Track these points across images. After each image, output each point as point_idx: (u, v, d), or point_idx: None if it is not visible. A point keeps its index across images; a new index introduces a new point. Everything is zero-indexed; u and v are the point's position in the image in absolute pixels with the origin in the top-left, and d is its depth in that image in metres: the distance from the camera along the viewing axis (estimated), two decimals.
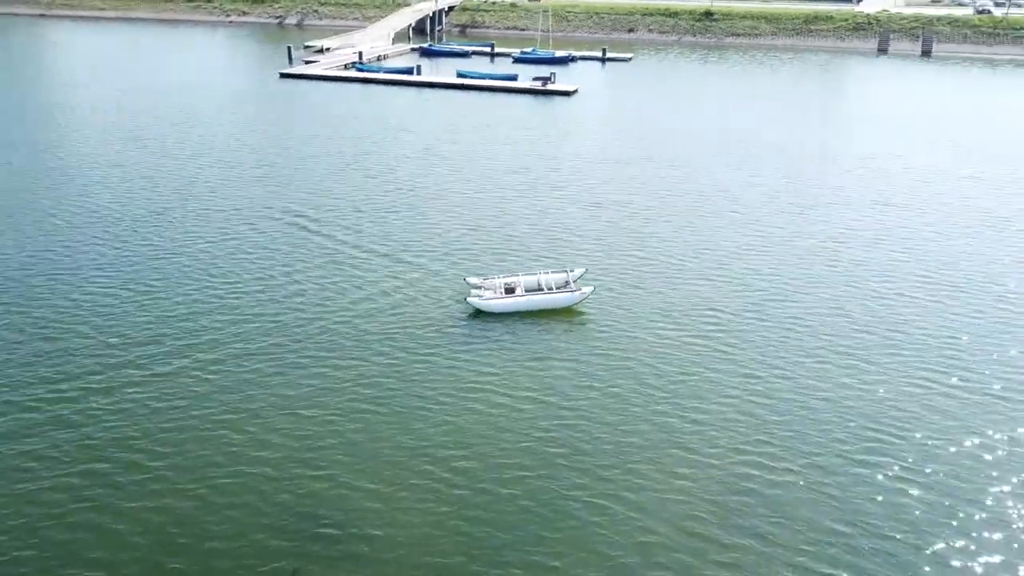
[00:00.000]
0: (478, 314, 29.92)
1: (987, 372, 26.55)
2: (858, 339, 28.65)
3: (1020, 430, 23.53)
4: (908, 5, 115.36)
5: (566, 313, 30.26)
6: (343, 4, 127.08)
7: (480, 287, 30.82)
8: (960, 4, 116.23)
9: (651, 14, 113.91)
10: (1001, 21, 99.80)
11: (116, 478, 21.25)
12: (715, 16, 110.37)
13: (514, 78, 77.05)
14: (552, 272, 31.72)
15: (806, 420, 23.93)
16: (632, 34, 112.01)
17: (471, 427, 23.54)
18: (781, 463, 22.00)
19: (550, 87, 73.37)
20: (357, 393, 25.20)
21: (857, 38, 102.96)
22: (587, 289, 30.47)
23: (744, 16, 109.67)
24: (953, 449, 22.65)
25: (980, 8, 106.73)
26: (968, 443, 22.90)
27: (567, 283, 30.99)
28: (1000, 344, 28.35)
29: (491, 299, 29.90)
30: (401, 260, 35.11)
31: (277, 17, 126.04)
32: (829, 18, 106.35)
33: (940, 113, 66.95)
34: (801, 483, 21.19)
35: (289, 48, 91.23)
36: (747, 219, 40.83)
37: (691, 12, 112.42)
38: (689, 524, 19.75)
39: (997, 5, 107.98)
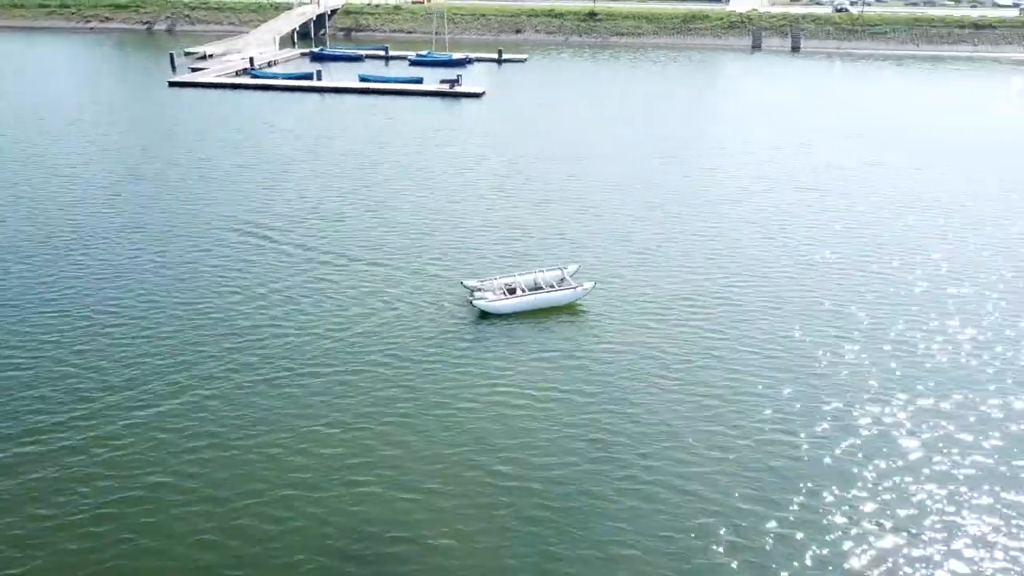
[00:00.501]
0: (483, 316, 29.67)
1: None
2: (824, 310, 30.54)
3: None
4: (774, 4, 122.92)
5: (562, 309, 30.56)
6: (216, 8, 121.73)
7: (480, 289, 30.53)
8: (818, 3, 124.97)
9: (537, 15, 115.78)
10: (858, 18, 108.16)
11: (146, 519, 19.70)
12: (599, 17, 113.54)
13: (420, 81, 76.40)
14: (547, 270, 31.85)
15: (808, 389, 25.32)
16: (520, 35, 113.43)
17: (499, 428, 23.37)
18: (801, 435, 23.18)
19: (458, 89, 73.27)
20: (376, 405, 24.45)
21: (732, 36, 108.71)
22: (588, 284, 30.74)
23: (627, 16, 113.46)
24: (945, 406, 24.61)
25: (838, 7, 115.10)
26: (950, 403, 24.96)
27: (563, 280, 31.18)
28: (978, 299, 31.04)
29: (496, 300, 29.73)
30: (390, 268, 34.24)
31: (145, 23, 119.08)
32: (705, 17, 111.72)
33: (823, 103, 71.93)
34: (824, 454, 22.43)
35: (171, 55, 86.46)
36: (700, 210, 42.45)
37: (576, 13, 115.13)
38: (740, 501, 20.47)
39: (852, 4, 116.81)
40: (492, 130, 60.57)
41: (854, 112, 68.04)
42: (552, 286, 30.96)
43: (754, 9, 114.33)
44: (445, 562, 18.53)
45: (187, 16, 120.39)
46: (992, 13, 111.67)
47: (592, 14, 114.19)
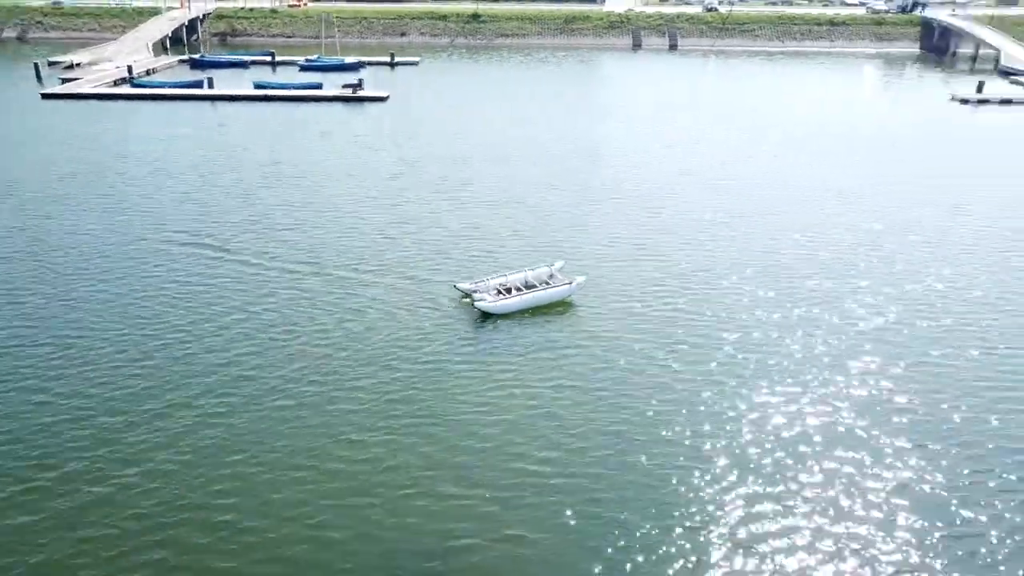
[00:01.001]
0: (484, 317, 29.43)
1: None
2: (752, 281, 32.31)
3: None
4: (648, 4, 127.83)
5: (553, 304, 30.91)
6: (72, 15, 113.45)
7: (475, 291, 30.27)
8: (687, 3, 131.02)
9: (420, 17, 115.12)
10: (728, 17, 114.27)
11: (190, 559, 18.30)
12: (483, 18, 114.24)
13: (319, 86, 74.27)
14: (536, 268, 32.03)
15: (804, 361, 26.74)
16: (404, 38, 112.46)
17: (524, 426, 23.25)
18: (819, 403, 24.46)
19: (361, 94, 71.77)
20: (398, 414, 23.74)
21: (613, 36, 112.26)
22: (580, 279, 31.11)
23: (510, 17, 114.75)
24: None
25: (708, 6, 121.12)
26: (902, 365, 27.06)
27: (552, 276, 31.44)
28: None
29: (498, 300, 29.61)
30: (371, 275, 33.33)
31: None
32: (586, 18, 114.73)
33: (712, 98, 75.71)
34: (837, 424, 23.80)
35: (36, 65, 79.95)
36: (638, 202, 43.63)
37: (459, 15, 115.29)
38: (780, 472, 21.39)
39: (721, 3, 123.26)
40: (409, 134, 59.73)
41: (746, 106, 71.99)
42: (544, 283, 31.19)
43: (631, 9, 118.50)
44: (512, 565, 18.31)
45: (39, 23, 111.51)
46: (844, 12, 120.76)
47: (476, 16, 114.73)
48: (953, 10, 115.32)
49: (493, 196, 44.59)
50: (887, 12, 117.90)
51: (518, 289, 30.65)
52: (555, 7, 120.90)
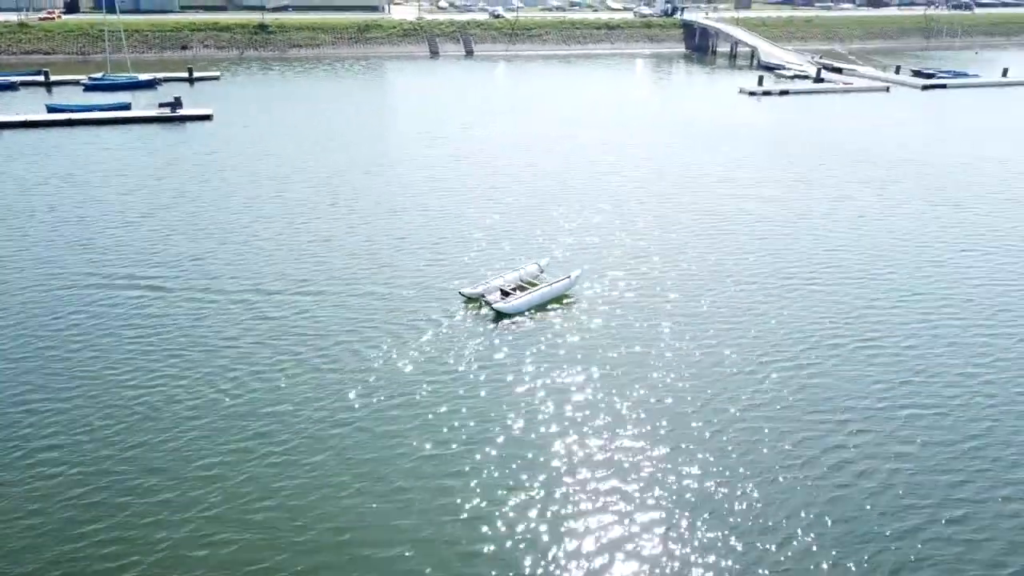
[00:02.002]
0: (498, 317, 29.85)
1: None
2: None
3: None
4: (432, 12, 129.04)
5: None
6: None
7: (483, 295, 30.58)
8: (469, 10, 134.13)
9: (202, 29, 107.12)
10: (515, 23, 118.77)
11: None
12: (271, 29, 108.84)
13: (127, 107, 66.84)
14: (526, 266, 33.10)
15: (797, 339, 29.28)
16: (187, 51, 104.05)
17: (565, 422, 23.49)
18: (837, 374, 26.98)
19: (181, 112, 65.72)
20: (442, 424, 23.17)
21: (409, 43, 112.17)
22: (576, 273, 32.47)
23: (300, 27, 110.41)
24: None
25: (494, 13, 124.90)
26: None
27: (541, 272, 32.70)
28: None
29: (513, 300, 30.11)
30: (375, 287, 32.63)
31: None
32: (379, 26, 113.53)
33: (531, 99, 78.91)
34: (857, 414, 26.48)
35: None
36: (527, 195, 44.62)
37: (244, 26, 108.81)
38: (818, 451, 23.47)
39: (507, 10, 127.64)
40: (262, 152, 55.92)
41: (571, 102, 75.83)
42: (537, 279, 32.20)
43: (421, 17, 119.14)
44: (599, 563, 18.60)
45: None
46: (617, 16, 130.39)
47: (263, 26, 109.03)
48: (707, 13, 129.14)
49: (395, 205, 43.40)
50: (652, 16, 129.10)
51: (521, 288, 31.22)
52: (344, 16, 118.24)
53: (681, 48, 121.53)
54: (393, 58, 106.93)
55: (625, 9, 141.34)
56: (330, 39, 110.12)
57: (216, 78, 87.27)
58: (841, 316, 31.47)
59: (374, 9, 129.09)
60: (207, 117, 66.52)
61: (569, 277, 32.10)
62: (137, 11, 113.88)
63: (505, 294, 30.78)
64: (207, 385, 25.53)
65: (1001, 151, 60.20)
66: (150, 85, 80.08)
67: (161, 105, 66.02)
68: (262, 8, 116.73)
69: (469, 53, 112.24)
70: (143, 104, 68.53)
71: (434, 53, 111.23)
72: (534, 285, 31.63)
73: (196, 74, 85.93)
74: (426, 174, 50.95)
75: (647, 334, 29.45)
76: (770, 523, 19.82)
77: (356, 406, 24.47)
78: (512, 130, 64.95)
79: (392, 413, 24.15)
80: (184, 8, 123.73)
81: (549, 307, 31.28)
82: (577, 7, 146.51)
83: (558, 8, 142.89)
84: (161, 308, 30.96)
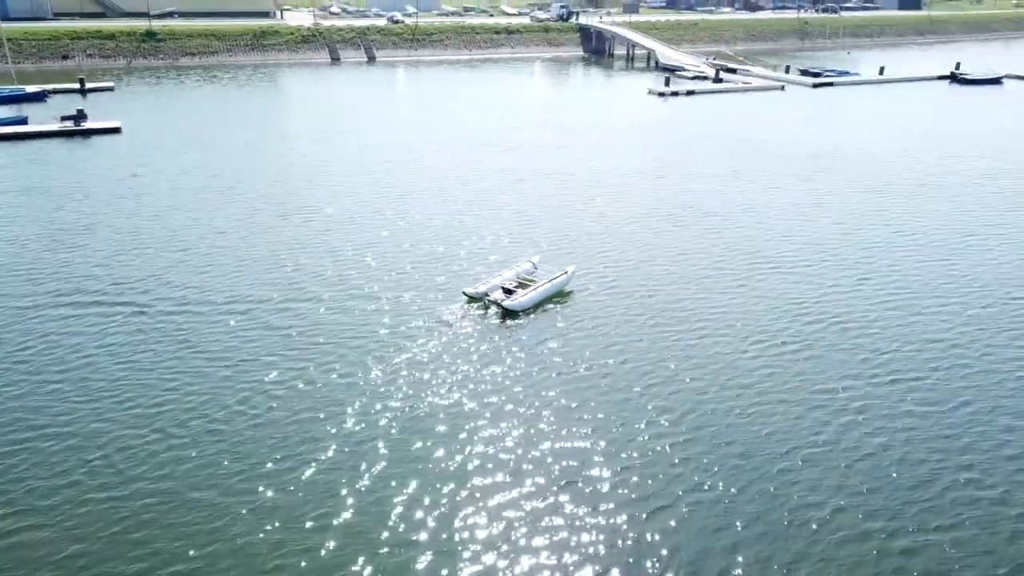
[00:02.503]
0: (506, 315, 30.03)
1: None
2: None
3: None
4: (326, 18, 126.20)
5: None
6: None
7: (487, 294, 30.69)
8: (364, 15, 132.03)
9: (83, 37, 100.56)
10: (415, 28, 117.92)
11: None
12: (160, 36, 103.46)
13: (24, 121, 61.90)
14: (519, 264, 33.66)
15: (787, 322, 30.50)
16: (68, 61, 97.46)
17: (588, 416, 23.65)
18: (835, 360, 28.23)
19: (86, 126, 61.42)
20: (466, 428, 22.65)
21: (309, 50, 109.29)
22: (571, 268, 33.15)
23: (191, 35, 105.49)
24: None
25: (392, 19, 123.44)
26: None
27: (534, 269, 33.20)
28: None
29: (519, 298, 30.36)
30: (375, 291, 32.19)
31: None
32: (276, 33, 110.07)
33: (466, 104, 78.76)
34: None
35: None
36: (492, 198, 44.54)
37: (130, 33, 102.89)
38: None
39: (405, 15, 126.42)
40: (189, 164, 53.08)
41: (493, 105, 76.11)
42: (533, 276, 32.71)
43: (318, 23, 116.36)
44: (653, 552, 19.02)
45: None
46: (515, 21, 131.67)
47: (151, 34, 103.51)
48: (600, 17, 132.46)
49: (364, 213, 42.29)
50: (549, 20, 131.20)
51: (521, 286, 31.54)
52: (238, 23, 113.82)
53: (579, 51, 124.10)
54: (294, 65, 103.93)
55: (520, 14, 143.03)
56: (225, 46, 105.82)
57: (111, 89, 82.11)
58: (811, 295, 33.15)
59: (265, 15, 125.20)
60: (115, 130, 62.44)
61: (566, 272, 32.68)
62: (7, 18, 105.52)
63: (507, 292, 31.02)
64: (220, 397, 24.07)
65: (900, 141, 64.89)
66: (39, 98, 74.45)
67: (63, 119, 61.50)
68: (145, 15, 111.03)
69: (371, 59, 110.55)
70: (40, 118, 63.65)
71: (335, 59, 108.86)
72: (533, 282, 32.06)
73: (88, 85, 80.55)
74: (369, 179, 49.91)
75: (646, 326, 30.01)
76: (799, 512, 20.60)
77: (378, 409, 23.71)
78: (448, 132, 64.52)
79: (419, 413, 23.58)
80: (58, 15, 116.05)
81: (548, 303, 31.74)
82: (472, 12, 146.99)
83: (454, 13, 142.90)
84: (147, 324, 28.92)
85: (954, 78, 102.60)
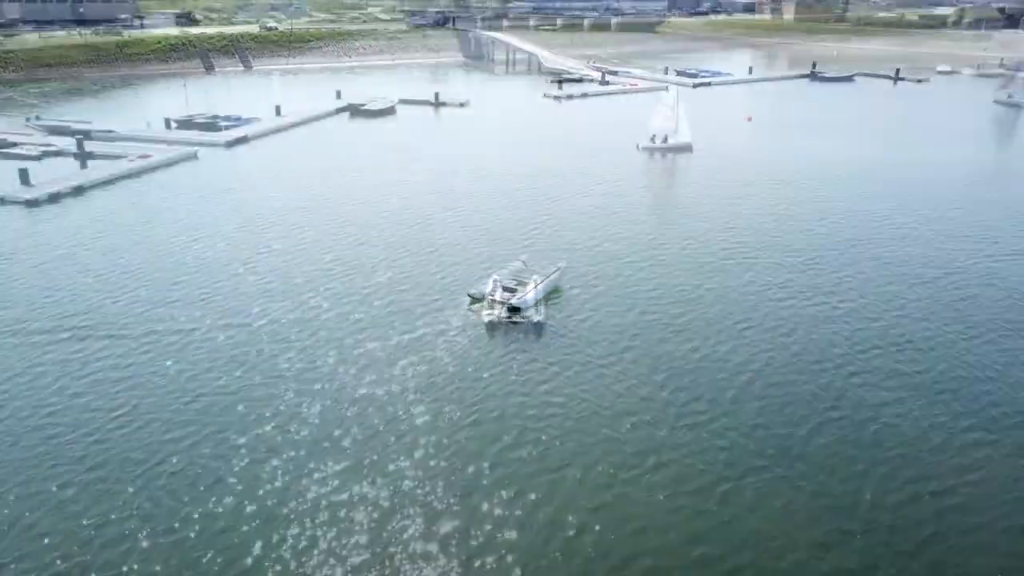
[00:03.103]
0: (512, 311, 30.10)
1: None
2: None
3: None
4: (195, 26, 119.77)
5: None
6: None
7: (490, 294, 30.65)
8: (232, 23, 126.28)
9: None
10: (291, 35, 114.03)
11: None
12: (7, 47, 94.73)
13: None
14: (511, 264, 33.95)
15: (779, 315, 31.49)
16: None
17: (606, 411, 23.79)
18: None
19: None
20: (498, 434, 22.29)
21: (180, 59, 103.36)
22: (562, 264, 33.71)
23: (43, 46, 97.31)
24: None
25: (265, 26, 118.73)
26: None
27: (524, 268, 33.47)
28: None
29: (524, 295, 30.61)
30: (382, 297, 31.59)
31: None
32: (142, 42, 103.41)
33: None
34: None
35: None
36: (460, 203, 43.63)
37: None
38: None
39: (278, 22, 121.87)
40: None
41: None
42: (527, 273, 32.77)
43: (186, 31, 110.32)
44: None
45: None
46: (392, 27, 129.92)
47: None
48: (477, 24, 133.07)
49: (356, 226, 40.30)
50: (426, 26, 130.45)
51: (521, 284, 31.74)
52: (95, 32, 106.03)
53: (460, 56, 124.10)
54: (166, 76, 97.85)
55: (392, 20, 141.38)
56: (85, 58, 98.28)
57: None
58: (776, 280, 34.47)
59: (115, 22, 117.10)
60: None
61: (558, 268, 33.22)
62: None
63: (509, 291, 31.16)
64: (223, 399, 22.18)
65: (786, 140, 68.80)
66: None
67: None
68: None
69: (247, 67, 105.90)
70: None
71: (209, 68, 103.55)
72: (530, 279, 32.15)
73: None
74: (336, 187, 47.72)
75: (639, 321, 30.42)
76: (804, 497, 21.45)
77: (397, 407, 22.66)
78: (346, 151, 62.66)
79: (436, 413, 22.77)
80: None
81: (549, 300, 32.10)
82: (344, 18, 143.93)
83: (329, 20, 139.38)
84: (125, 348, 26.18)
85: (813, 76, 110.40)
